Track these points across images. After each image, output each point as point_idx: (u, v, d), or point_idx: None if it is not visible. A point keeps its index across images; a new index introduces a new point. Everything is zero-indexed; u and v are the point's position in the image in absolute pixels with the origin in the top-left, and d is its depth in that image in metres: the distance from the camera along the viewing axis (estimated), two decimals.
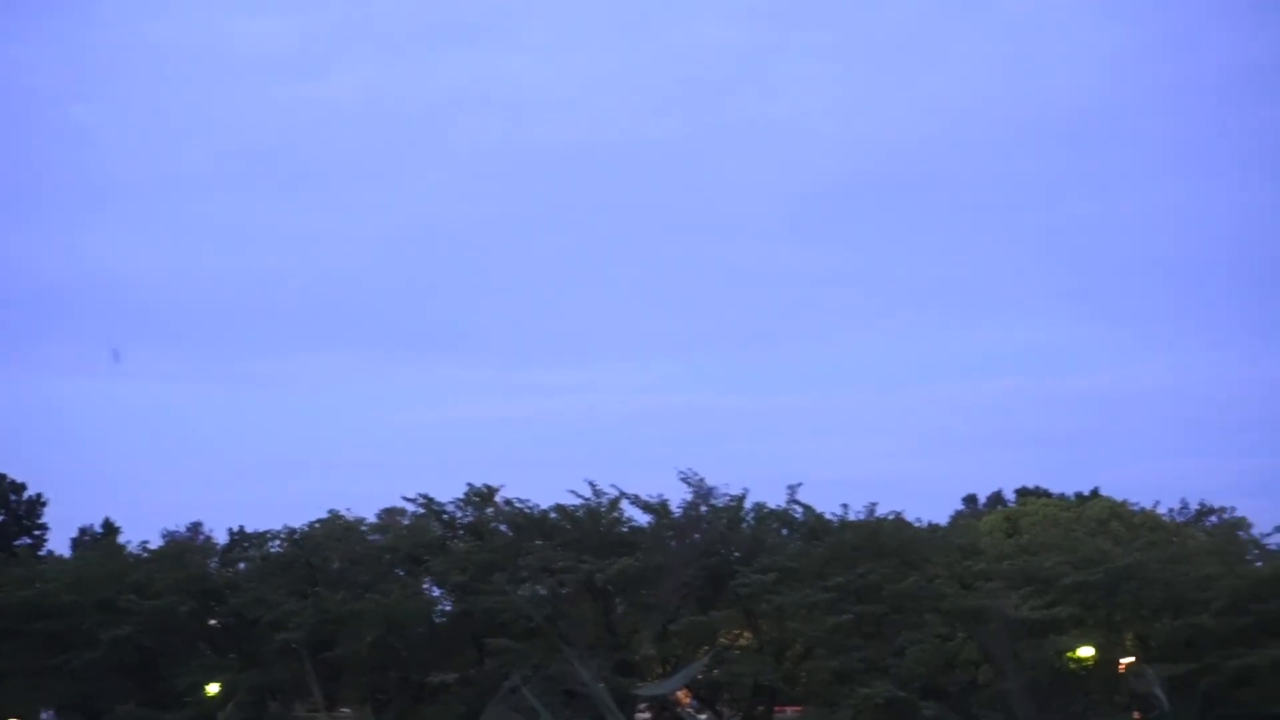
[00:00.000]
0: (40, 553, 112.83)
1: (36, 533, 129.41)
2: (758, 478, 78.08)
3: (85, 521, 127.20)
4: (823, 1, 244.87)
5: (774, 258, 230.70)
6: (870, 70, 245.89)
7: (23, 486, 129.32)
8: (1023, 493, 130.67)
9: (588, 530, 75.27)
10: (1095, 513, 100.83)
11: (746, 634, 76.23)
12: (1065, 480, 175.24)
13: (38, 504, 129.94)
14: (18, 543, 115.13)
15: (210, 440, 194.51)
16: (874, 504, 76.50)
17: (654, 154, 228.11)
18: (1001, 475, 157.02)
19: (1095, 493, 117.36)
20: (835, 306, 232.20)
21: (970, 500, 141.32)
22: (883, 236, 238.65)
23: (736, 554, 74.62)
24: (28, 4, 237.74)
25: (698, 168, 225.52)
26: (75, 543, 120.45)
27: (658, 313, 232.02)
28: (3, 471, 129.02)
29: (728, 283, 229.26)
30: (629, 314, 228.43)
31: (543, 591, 74.61)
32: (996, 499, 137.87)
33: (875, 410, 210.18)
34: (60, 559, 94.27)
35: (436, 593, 77.84)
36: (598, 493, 76.22)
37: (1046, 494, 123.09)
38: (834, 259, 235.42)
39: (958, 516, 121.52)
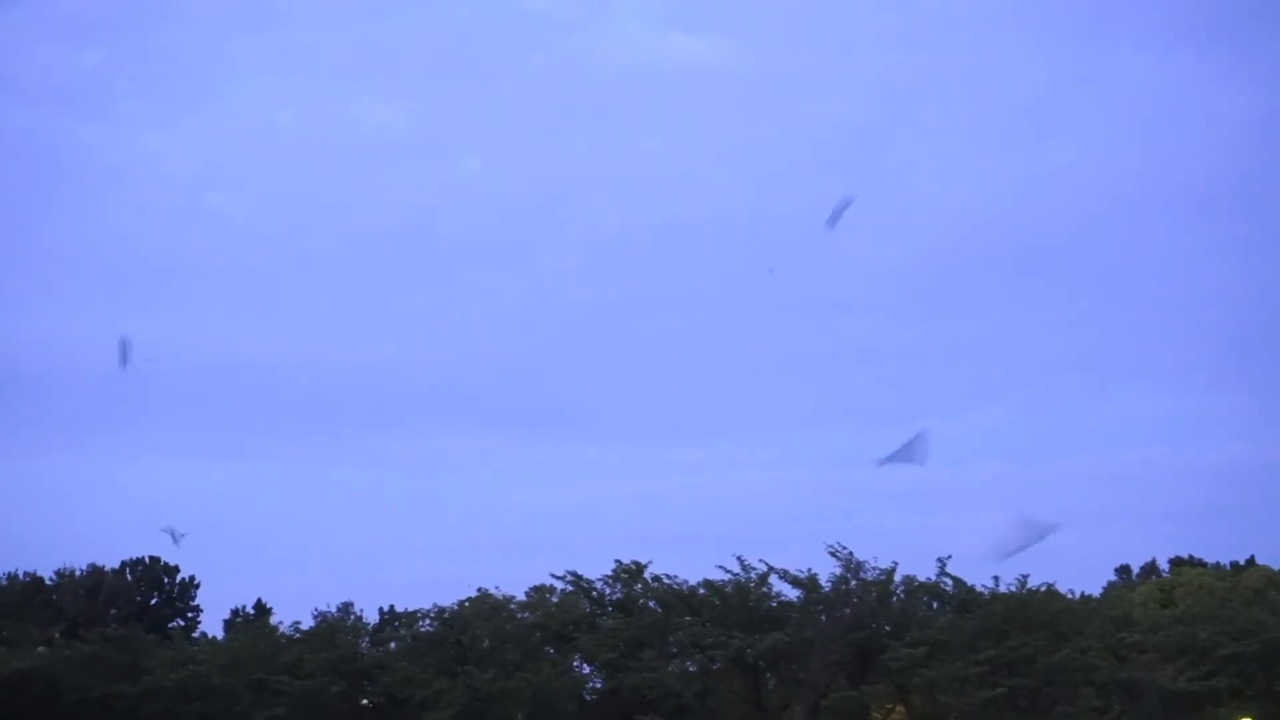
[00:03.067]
0: (193, 634, 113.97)
1: (190, 614, 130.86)
2: (896, 553, 77.48)
3: (238, 603, 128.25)
4: (945, 76, 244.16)
5: (901, 332, 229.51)
6: (994, 143, 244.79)
7: (176, 569, 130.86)
8: (1177, 562, 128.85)
9: (736, 606, 74.95)
10: (1251, 582, 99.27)
11: (898, 709, 75.54)
12: (1220, 549, 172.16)
13: (190, 586, 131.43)
14: (171, 624, 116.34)
15: (352, 521, 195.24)
16: (1025, 576, 75.83)
17: (778, 230, 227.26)
18: (1152, 546, 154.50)
19: (1251, 561, 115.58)
20: (965, 379, 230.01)
21: (1123, 571, 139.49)
22: (1011, 309, 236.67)
23: (886, 628, 74.06)
24: (166, 96, 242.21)
25: (822, 243, 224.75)
26: (228, 624, 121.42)
27: (785, 388, 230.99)
28: (156, 554, 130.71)
29: (854, 357, 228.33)
30: (756, 390, 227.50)
31: (692, 668, 74.45)
32: (1150, 569, 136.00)
33: (1014, 483, 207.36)
34: (213, 640, 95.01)
35: (586, 670, 77.59)
36: (746, 568, 76.04)
37: (1201, 564, 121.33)
38: (962, 332, 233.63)
39: (1110, 588, 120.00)
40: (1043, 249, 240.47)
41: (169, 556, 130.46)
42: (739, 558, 76.06)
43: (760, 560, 76.23)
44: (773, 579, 76.26)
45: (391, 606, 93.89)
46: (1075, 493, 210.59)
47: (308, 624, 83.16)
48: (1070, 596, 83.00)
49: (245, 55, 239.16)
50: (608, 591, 79.13)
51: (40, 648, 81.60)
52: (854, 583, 75.41)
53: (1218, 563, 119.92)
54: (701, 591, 76.39)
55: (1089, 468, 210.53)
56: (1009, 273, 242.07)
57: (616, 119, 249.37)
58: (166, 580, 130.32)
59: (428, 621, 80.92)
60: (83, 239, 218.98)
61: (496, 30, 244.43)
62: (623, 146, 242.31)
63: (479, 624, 79.47)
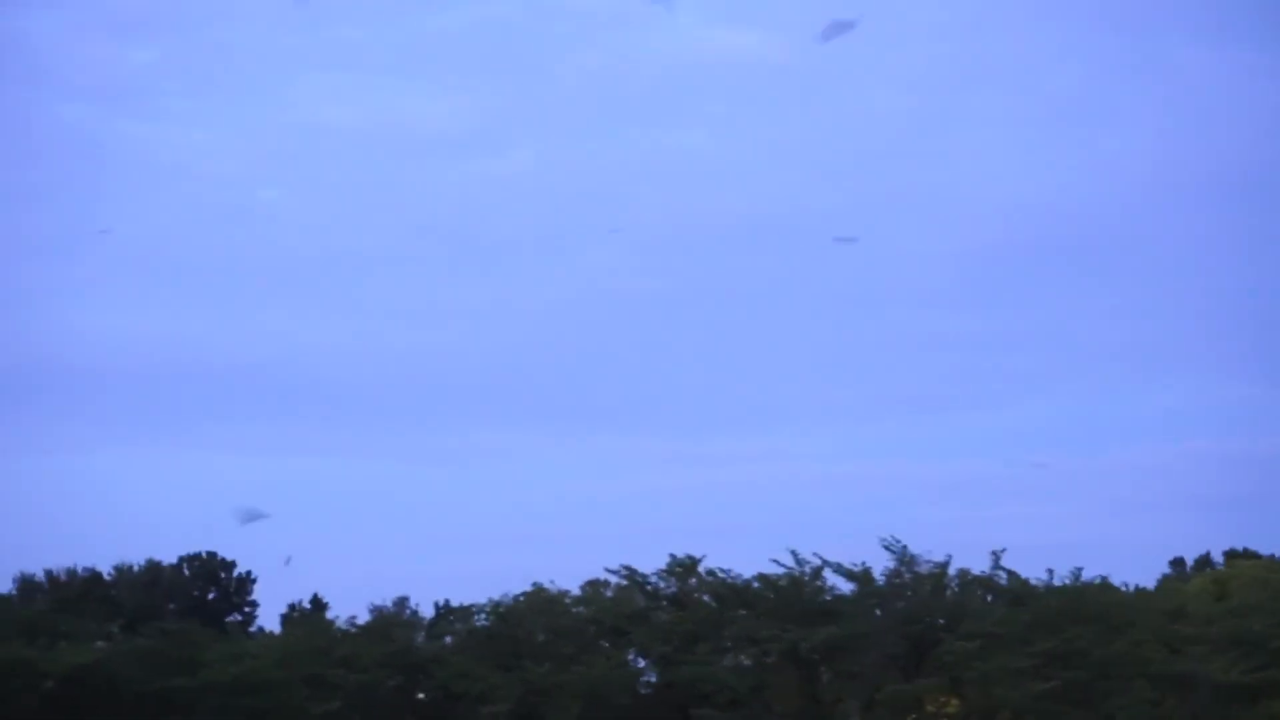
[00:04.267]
0: (250, 629, 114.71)
1: (246, 609, 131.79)
2: (952, 545, 77.55)
3: (294, 597, 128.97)
4: (993, 67, 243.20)
5: (949, 323, 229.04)
6: (1042, 133, 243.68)
7: (232, 564, 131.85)
8: (1231, 555, 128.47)
9: (791, 599, 75.10)
10: None
11: (952, 702, 75.58)
12: (1275, 541, 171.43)
13: (247, 581, 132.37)
14: (228, 619, 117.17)
15: (406, 515, 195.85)
16: (1079, 569, 75.84)
17: (826, 223, 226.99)
18: (1206, 538, 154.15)
19: None
20: (1014, 370, 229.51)
21: (1177, 563, 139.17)
22: (1060, 299, 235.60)
23: (940, 621, 74.11)
24: (216, 93, 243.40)
25: (870, 235, 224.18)
26: (284, 618, 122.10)
27: (835, 380, 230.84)
28: (213, 549, 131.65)
29: (903, 349, 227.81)
30: (806, 382, 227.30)
31: (746, 662, 74.63)
32: (1204, 562, 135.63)
33: (1065, 474, 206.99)
34: (269, 635, 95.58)
35: (640, 664, 77.87)
36: (800, 561, 76.15)
37: (1255, 556, 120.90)
38: (1011, 323, 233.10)
39: (1164, 580, 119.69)
40: (1091, 239, 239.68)
41: (225, 552, 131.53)
42: (792, 551, 76.28)
43: (814, 553, 76.44)
44: (826, 572, 76.45)
45: (446, 601, 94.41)
46: (1127, 483, 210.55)
47: (363, 618, 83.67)
48: (1124, 589, 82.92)
49: (295, 51, 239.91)
50: (662, 585, 79.38)
51: (98, 642, 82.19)
52: (908, 576, 75.51)
53: (1272, 555, 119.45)
54: (755, 585, 76.56)
55: (1141, 458, 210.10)
56: (1057, 263, 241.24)
57: (665, 113, 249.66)
58: (223, 575, 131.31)
59: (482, 616, 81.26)
60: (135, 235, 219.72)
61: (546, 26, 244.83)
62: (671, 140, 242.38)
63: (533, 618, 79.79)
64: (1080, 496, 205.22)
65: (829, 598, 76.18)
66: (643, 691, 77.87)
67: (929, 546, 76.21)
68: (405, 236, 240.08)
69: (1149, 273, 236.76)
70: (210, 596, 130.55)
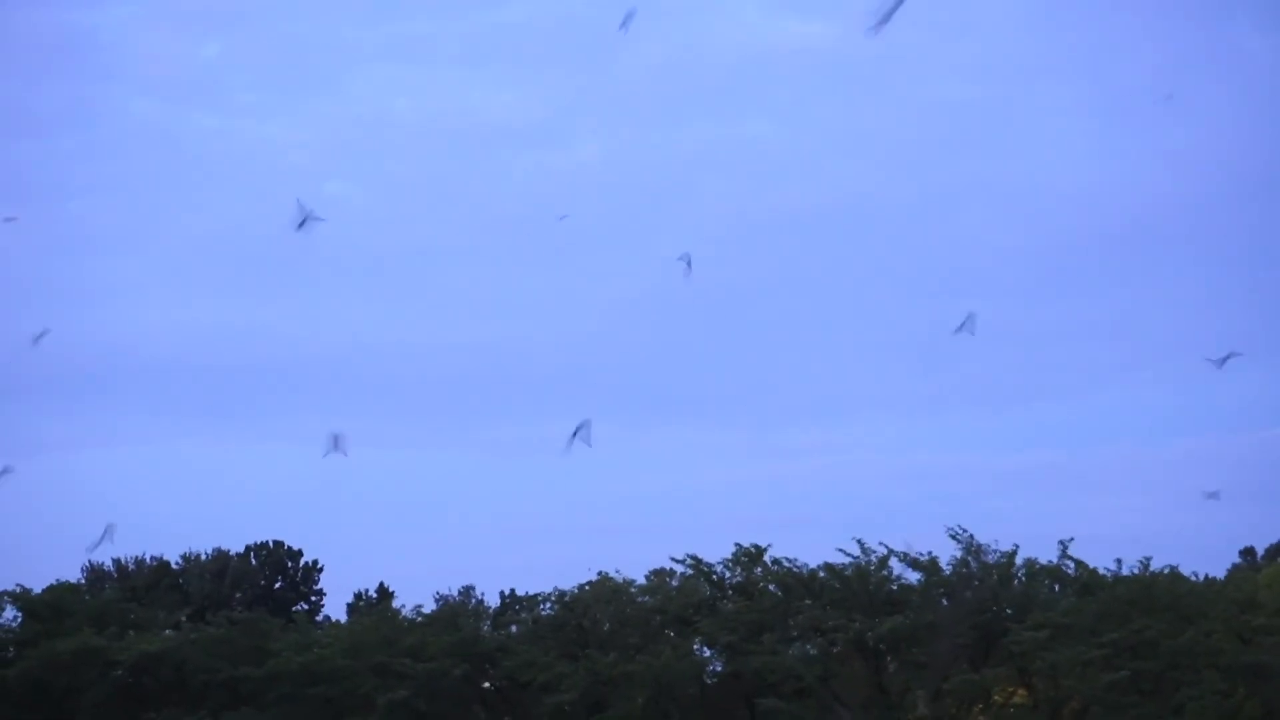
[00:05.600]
0: (317, 618, 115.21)
1: (313, 598, 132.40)
2: (1019, 535, 77.32)
3: (361, 586, 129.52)
4: (1062, 56, 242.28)
5: (1020, 314, 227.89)
6: (1113, 123, 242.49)
7: (300, 553, 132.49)
8: None
9: (857, 589, 74.81)
10: None
11: (1021, 692, 75.17)
12: None
13: (314, 570, 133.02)
14: (296, 608, 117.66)
15: (472, 505, 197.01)
16: (1148, 558, 75.35)
17: (896, 213, 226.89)
18: (1278, 527, 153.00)
19: None
20: (1086, 361, 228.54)
21: (1248, 553, 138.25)
22: (1131, 289, 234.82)
23: (1008, 611, 73.75)
24: (283, 86, 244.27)
25: (940, 226, 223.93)
26: (351, 608, 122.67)
27: (905, 372, 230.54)
28: (281, 539, 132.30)
29: (975, 340, 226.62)
30: (876, 374, 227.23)
31: (813, 651, 74.40)
32: (1276, 550, 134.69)
33: (1138, 464, 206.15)
34: (336, 624, 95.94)
35: (706, 653, 77.71)
36: (866, 551, 75.89)
37: None
38: (1081, 313, 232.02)
39: (1235, 570, 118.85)
40: (1162, 229, 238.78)
41: (293, 541, 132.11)
42: (859, 540, 76.05)
43: (881, 543, 76.17)
44: (893, 562, 76.14)
45: (512, 590, 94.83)
46: (1198, 474, 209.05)
47: (430, 608, 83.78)
48: (1194, 579, 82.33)
49: (362, 44, 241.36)
50: (728, 575, 79.18)
51: (168, 631, 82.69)
52: (975, 565, 75.16)
53: None
54: (822, 575, 76.31)
55: (1211, 449, 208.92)
56: (1127, 253, 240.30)
57: (731, 104, 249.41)
58: (290, 564, 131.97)
59: (548, 605, 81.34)
60: (204, 228, 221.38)
61: (611, 17, 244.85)
62: (737, 131, 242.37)
63: (599, 607, 79.81)
64: (1152, 487, 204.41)
65: (895, 588, 75.83)
66: (708, 681, 77.82)
67: (997, 537, 75.95)
68: (473, 228, 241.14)
69: (1220, 262, 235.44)
70: (277, 585, 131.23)
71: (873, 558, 75.73)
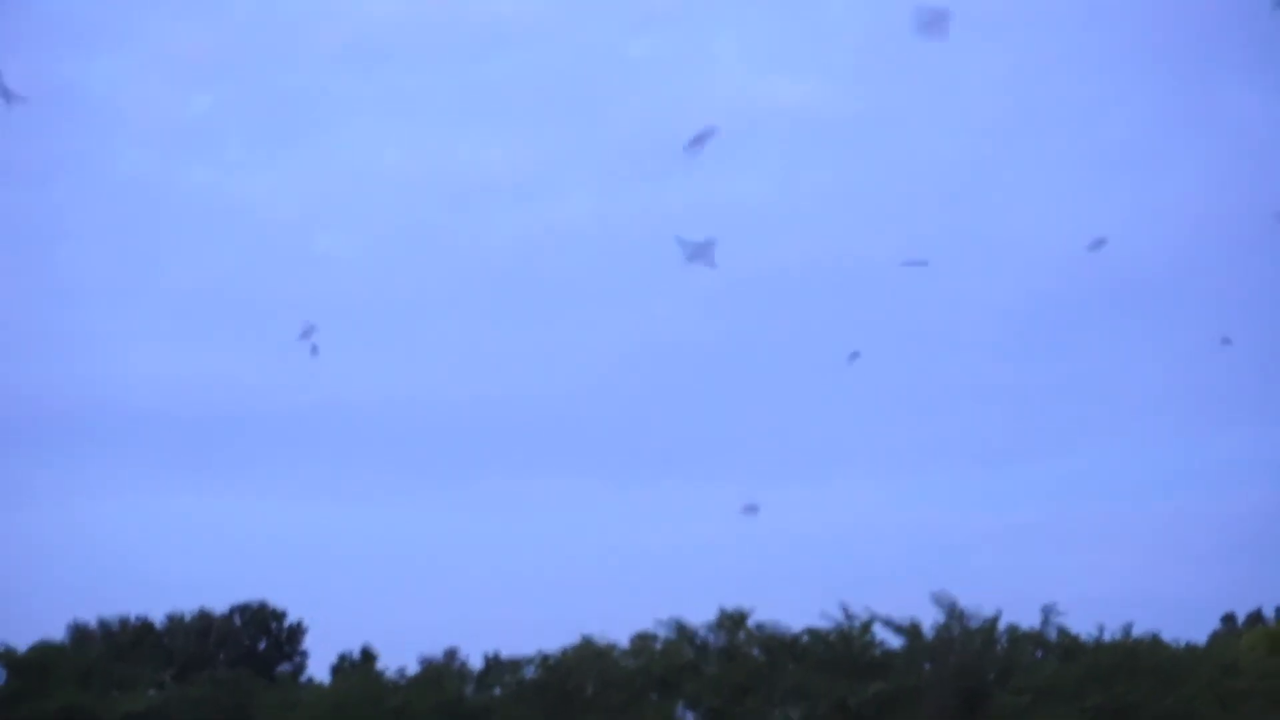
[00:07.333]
0: (301, 679, 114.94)
1: (297, 659, 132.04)
2: (1002, 595, 77.54)
3: (345, 647, 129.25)
4: (1048, 113, 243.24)
5: (1004, 370, 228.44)
6: (1098, 180, 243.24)
7: (283, 614, 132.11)
8: None
9: (840, 653, 75.07)
10: None
11: None
12: None
13: (298, 631, 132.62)
14: (279, 669, 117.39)
15: (456, 563, 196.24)
16: (1130, 623, 75.72)
17: (881, 270, 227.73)
18: (1259, 592, 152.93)
19: None
20: (1069, 418, 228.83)
21: (1229, 619, 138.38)
22: (1114, 346, 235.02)
23: (991, 676, 73.97)
24: (274, 138, 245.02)
25: (925, 282, 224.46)
26: (334, 669, 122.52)
27: (888, 430, 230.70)
28: (264, 599, 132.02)
29: (957, 398, 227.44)
30: (860, 431, 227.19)
31: (796, 715, 74.54)
32: (1257, 617, 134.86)
33: (1120, 524, 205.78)
34: (320, 686, 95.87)
35: (690, 717, 77.79)
36: (849, 615, 76.16)
37: None
38: (1066, 370, 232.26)
39: (1216, 635, 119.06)
40: (1146, 286, 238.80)
41: (276, 601, 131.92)
42: (842, 605, 76.31)
43: (864, 606, 76.43)
44: (876, 626, 76.38)
45: (497, 653, 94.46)
46: (1179, 536, 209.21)
47: (414, 669, 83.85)
48: (1176, 644, 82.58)
49: (351, 97, 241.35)
50: (711, 638, 79.38)
51: (151, 690, 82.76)
52: (957, 630, 75.40)
53: None
54: (805, 639, 76.55)
55: (1193, 510, 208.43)
56: (1112, 310, 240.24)
57: (719, 158, 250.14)
58: (274, 624, 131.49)
59: (532, 668, 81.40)
60: (193, 280, 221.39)
61: (599, 72, 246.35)
62: (725, 188, 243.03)
63: (583, 670, 79.88)
64: (1133, 548, 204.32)
65: (879, 652, 76.05)
66: None
67: (982, 596, 76.31)
68: (461, 281, 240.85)
69: (1203, 320, 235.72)
70: (261, 646, 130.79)
71: (856, 622, 75.98)
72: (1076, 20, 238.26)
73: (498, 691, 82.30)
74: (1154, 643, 75.98)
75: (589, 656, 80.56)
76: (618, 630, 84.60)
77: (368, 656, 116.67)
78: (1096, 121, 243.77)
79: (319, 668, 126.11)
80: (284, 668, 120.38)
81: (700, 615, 79.67)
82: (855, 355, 58.96)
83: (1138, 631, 75.85)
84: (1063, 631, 75.87)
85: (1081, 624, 76.80)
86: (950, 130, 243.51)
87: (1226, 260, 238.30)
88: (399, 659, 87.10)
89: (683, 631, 79.23)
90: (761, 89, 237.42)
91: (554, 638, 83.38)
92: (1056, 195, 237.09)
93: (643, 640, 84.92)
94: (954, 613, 75.20)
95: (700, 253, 45.80)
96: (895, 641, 76.29)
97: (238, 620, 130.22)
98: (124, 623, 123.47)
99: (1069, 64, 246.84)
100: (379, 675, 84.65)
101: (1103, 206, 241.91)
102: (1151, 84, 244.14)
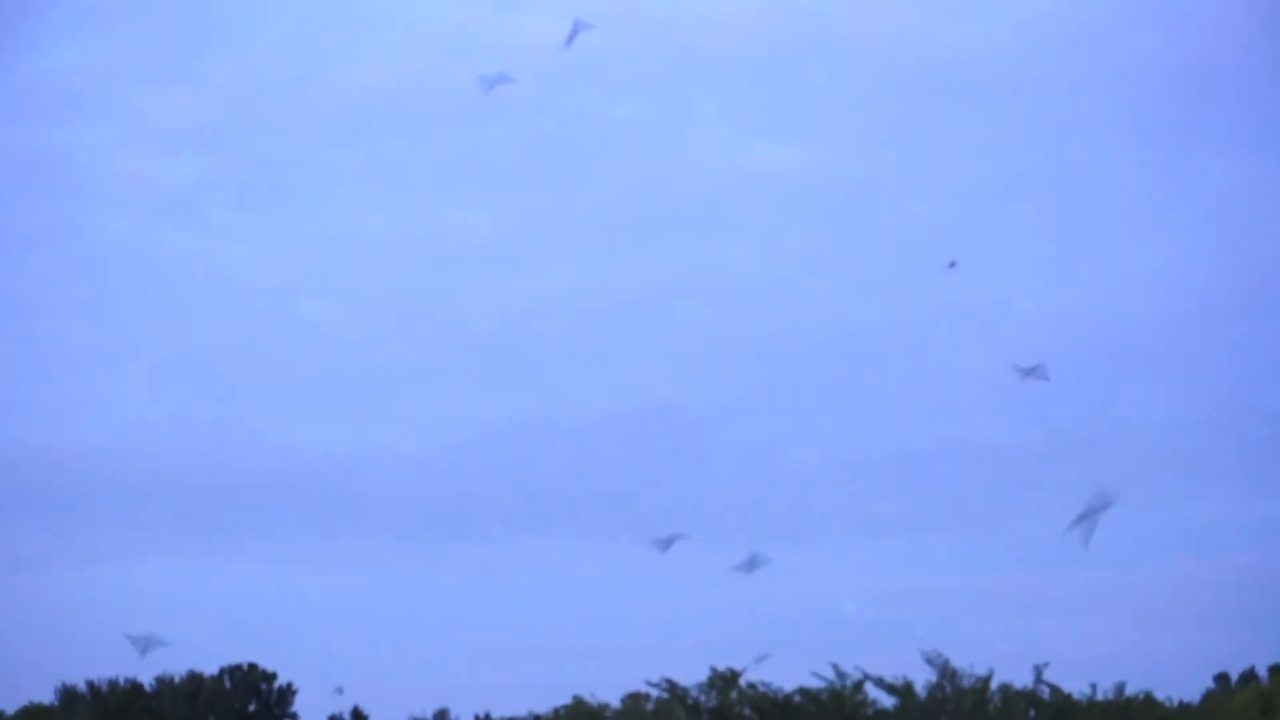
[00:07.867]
0: None
1: None
2: (993, 656, 77.62)
3: (335, 709, 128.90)
4: (1031, 178, 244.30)
5: (990, 436, 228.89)
6: (1082, 245, 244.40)
7: (273, 676, 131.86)
8: (1276, 670, 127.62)
9: (832, 713, 74.95)
10: None
11: None
12: None
13: (288, 693, 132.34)
14: None
15: (446, 627, 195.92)
16: (1123, 683, 75.66)
17: (867, 335, 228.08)
18: (1251, 653, 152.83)
19: None
20: (1056, 483, 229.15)
21: (1221, 679, 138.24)
22: (1098, 412, 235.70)
23: None
24: (257, 205, 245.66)
25: (909, 347, 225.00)
26: None
27: (878, 494, 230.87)
28: (254, 661, 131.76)
29: (946, 462, 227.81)
30: (849, 495, 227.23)
31: None
32: (1249, 677, 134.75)
33: (1109, 586, 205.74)
34: None
35: None
36: (841, 675, 76.04)
37: None
38: (1052, 435, 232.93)
39: (1209, 695, 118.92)
40: (1131, 351, 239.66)
41: (266, 663, 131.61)
42: (834, 665, 76.24)
43: (855, 667, 76.35)
44: (868, 686, 76.28)
45: (488, 713, 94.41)
46: (1169, 598, 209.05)
47: None
48: (1168, 704, 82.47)
49: (335, 164, 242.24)
50: (703, 698, 79.23)
51: None
52: (949, 690, 75.33)
53: None
54: (797, 699, 76.42)
55: (1183, 572, 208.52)
56: (1096, 375, 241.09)
57: (703, 225, 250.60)
58: (264, 687, 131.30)
59: None
60: (176, 345, 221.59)
61: (582, 138, 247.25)
62: (710, 252, 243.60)
63: None
64: (1123, 610, 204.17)
65: (871, 711, 75.97)
66: None
67: (971, 658, 76.21)
68: (445, 348, 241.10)
69: (1187, 385, 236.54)
70: (251, 708, 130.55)
71: (848, 681, 75.89)
72: (1060, 88, 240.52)
73: None
74: (1147, 701, 75.93)
75: (581, 717, 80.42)
76: (609, 691, 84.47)
77: (359, 717, 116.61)
78: (1080, 187, 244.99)
79: None
80: None
81: (689, 678, 79.62)
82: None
83: (1130, 690, 75.78)
84: (1055, 690, 75.84)
85: (1074, 684, 76.86)
86: (934, 194, 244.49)
87: (1213, 324, 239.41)
88: None
89: (674, 691, 79.08)
90: (746, 153, 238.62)
91: (545, 698, 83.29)
92: (1041, 261, 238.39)
93: (634, 700, 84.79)
94: (946, 672, 75.16)
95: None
96: (888, 701, 76.21)
97: (228, 682, 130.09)
98: (113, 685, 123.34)
99: (1052, 130, 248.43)
100: None
101: (1085, 271, 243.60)
102: (1134, 150, 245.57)
